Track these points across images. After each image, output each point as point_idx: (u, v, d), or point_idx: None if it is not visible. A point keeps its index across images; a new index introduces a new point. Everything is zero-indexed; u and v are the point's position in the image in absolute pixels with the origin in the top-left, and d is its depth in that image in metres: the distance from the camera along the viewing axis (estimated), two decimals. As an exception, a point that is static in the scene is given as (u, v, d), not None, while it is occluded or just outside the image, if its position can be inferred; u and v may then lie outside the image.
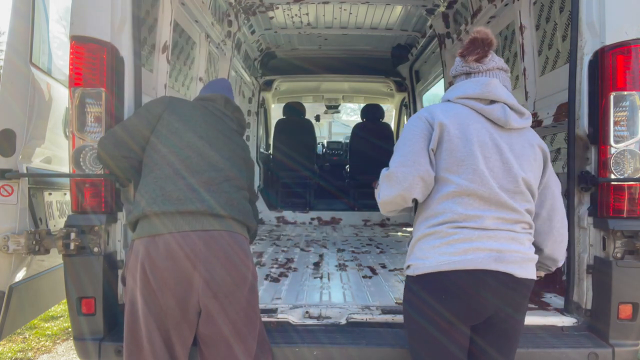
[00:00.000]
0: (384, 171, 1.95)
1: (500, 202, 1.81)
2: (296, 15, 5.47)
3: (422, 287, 1.84)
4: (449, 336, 1.81)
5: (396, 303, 2.70)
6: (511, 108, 1.89)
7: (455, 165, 1.82)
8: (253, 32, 5.95)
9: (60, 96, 2.95)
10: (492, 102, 1.89)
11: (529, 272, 1.84)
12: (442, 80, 5.29)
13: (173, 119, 2.14)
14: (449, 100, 1.97)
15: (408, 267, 1.91)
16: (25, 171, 2.53)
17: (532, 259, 1.87)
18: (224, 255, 1.93)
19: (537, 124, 3.21)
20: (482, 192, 1.80)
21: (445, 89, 5.06)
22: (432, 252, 1.81)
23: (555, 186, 2.00)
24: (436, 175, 1.86)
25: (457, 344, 1.83)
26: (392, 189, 1.87)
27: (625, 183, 2.26)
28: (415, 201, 1.91)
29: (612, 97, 2.27)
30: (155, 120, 2.16)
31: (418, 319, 1.85)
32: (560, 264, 2.05)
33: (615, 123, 2.27)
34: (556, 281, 2.82)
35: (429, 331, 1.82)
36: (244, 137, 2.50)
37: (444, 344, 1.82)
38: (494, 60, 1.98)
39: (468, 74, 1.99)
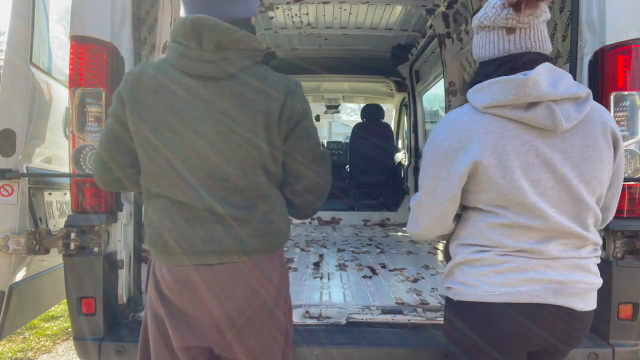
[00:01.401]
0: (413, 201, 1.70)
1: (560, 230, 1.50)
2: (296, 15, 5.47)
3: (465, 314, 1.60)
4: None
5: (396, 303, 2.70)
6: (562, 100, 1.47)
7: (498, 199, 1.50)
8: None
9: (60, 96, 2.95)
10: (533, 103, 1.46)
11: (590, 303, 1.58)
12: (442, 80, 5.29)
13: (141, 127, 1.62)
14: (475, 108, 1.54)
15: (449, 288, 1.67)
16: (25, 171, 2.53)
17: (596, 287, 1.60)
18: None
19: (537, 124, 3.21)
20: (537, 225, 1.49)
21: (445, 89, 5.08)
22: (479, 280, 1.55)
23: (622, 174, 1.69)
24: (473, 205, 1.57)
25: None
26: (413, 227, 1.70)
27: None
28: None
29: (612, 97, 2.27)
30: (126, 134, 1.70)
31: (461, 344, 1.64)
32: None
33: (616, 123, 2.27)
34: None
35: (472, 357, 1.62)
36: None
37: None
38: (545, 12, 1.54)
39: (511, 30, 1.52)
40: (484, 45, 1.61)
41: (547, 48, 1.56)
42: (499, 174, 1.48)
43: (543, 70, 1.46)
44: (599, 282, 1.61)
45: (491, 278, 1.53)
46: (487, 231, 1.55)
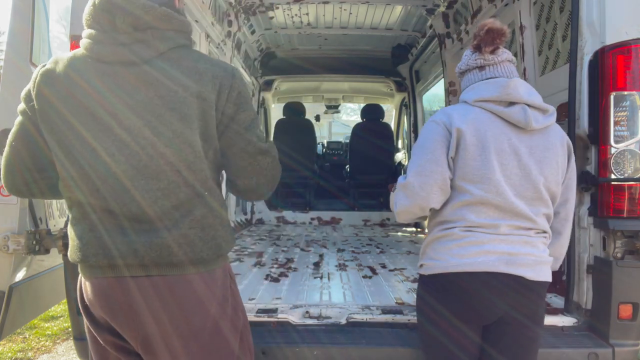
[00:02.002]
0: (400, 179, 1.91)
1: (516, 211, 1.79)
2: (296, 15, 5.47)
3: (434, 286, 1.87)
4: (457, 336, 1.83)
5: (396, 303, 2.70)
6: (533, 107, 1.82)
7: (471, 174, 1.79)
8: (253, 32, 5.95)
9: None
10: (512, 103, 1.81)
11: (541, 274, 1.82)
12: (442, 80, 5.29)
13: (54, 128, 1.47)
14: (466, 102, 1.89)
15: (421, 266, 1.94)
16: (25, 171, 2.53)
17: (546, 261, 1.86)
18: None
19: (537, 124, 3.21)
20: (498, 202, 1.78)
21: (445, 89, 5.09)
22: (445, 254, 1.82)
23: (575, 185, 1.97)
24: (452, 182, 1.83)
25: (464, 345, 1.84)
26: (409, 199, 1.85)
27: (626, 183, 2.26)
28: (432, 210, 1.90)
29: (612, 97, 2.27)
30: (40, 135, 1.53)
31: (429, 317, 1.88)
32: (558, 266, 2.05)
33: (616, 123, 2.27)
34: (556, 281, 2.82)
35: (438, 329, 1.85)
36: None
37: (452, 343, 1.83)
38: (505, 52, 1.92)
39: (482, 67, 1.90)
40: (465, 84, 1.98)
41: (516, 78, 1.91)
42: (476, 151, 1.78)
43: (521, 81, 1.86)
44: (547, 258, 1.87)
45: (454, 251, 1.80)
46: (456, 209, 1.82)
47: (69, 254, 1.54)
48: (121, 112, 1.42)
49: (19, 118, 1.57)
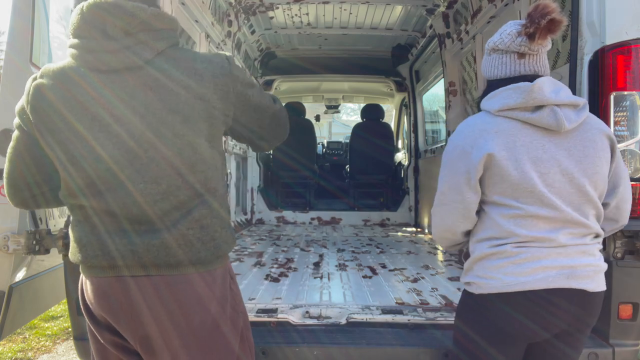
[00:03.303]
0: (433, 206, 1.86)
1: (567, 219, 1.66)
2: (296, 15, 5.47)
3: (486, 306, 1.72)
4: (506, 354, 1.74)
5: (396, 303, 2.70)
6: (562, 105, 1.67)
7: (510, 189, 1.66)
8: (253, 32, 5.95)
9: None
10: (539, 107, 1.66)
11: (601, 284, 1.73)
12: (442, 80, 5.29)
13: (54, 140, 1.47)
14: (488, 112, 1.74)
15: (468, 283, 1.80)
16: (25, 171, 2.53)
17: (603, 269, 1.75)
18: None
19: (537, 124, 3.21)
20: (546, 214, 1.65)
21: (445, 89, 5.08)
22: (497, 272, 1.68)
23: (624, 173, 1.82)
24: (489, 199, 1.71)
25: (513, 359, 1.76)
26: (438, 227, 1.83)
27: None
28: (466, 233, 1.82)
29: (612, 97, 2.27)
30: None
31: (475, 338, 1.75)
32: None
33: (616, 123, 2.27)
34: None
35: (487, 348, 1.73)
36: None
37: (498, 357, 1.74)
38: (550, 42, 1.76)
39: (522, 55, 1.73)
40: (497, 66, 1.79)
41: (548, 73, 1.80)
42: (511, 165, 1.64)
43: (546, 79, 1.69)
44: (604, 265, 1.75)
45: (508, 269, 1.66)
46: (502, 223, 1.68)
47: (70, 254, 1.55)
48: (119, 118, 1.42)
49: (16, 133, 1.55)
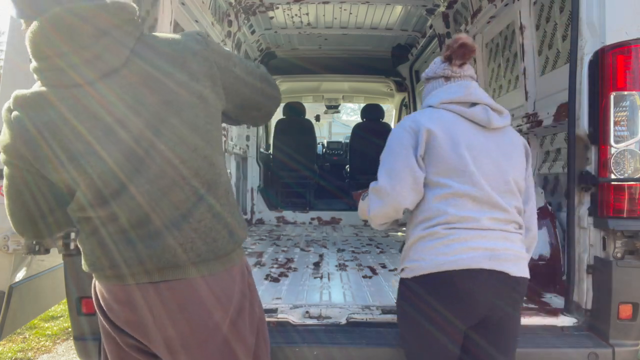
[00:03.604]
0: (372, 184, 1.97)
1: (492, 202, 1.84)
2: (296, 15, 5.47)
3: (420, 288, 1.85)
4: (445, 335, 1.83)
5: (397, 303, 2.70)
6: (491, 108, 1.94)
7: (446, 169, 1.85)
8: (253, 32, 5.95)
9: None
10: (473, 104, 1.94)
11: (522, 270, 1.87)
12: (442, 80, 5.29)
13: (58, 164, 1.41)
14: (430, 106, 1.99)
15: (402, 269, 1.93)
16: (25, 171, 2.53)
17: (524, 257, 1.91)
18: None
19: (537, 124, 3.21)
20: (475, 194, 1.83)
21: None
22: (429, 254, 1.82)
23: (533, 193, 2.06)
24: (428, 179, 1.87)
25: (453, 343, 1.85)
26: (382, 200, 1.90)
27: (626, 183, 2.26)
28: (406, 211, 1.93)
29: (612, 97, 2.27)
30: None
31: (414, 319, 1.87)
32: (529, 258, 2.08)
33: (616, 123, 2.27)
34: (556, 281, 2.82)
35: (426, 330, 1.84)
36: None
37: (440, 342, 1.84)
38: (470, 68, 2.04)
39: (447, 78, 2.02)
40: (430, 91, 2.08)
41: None
42: (448, 147, 1.85)
43: (477, 85, 2.02)
44: (525, 254, 1.93)
45: (439, 250, 1.81)
46: (435, 203, 1.85)
47: (83, 265, 1.54)
48: (120, 115, 1.38)
49: (7, 170, 1.48)
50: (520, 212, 1.94)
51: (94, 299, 1.60)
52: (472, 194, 1.82)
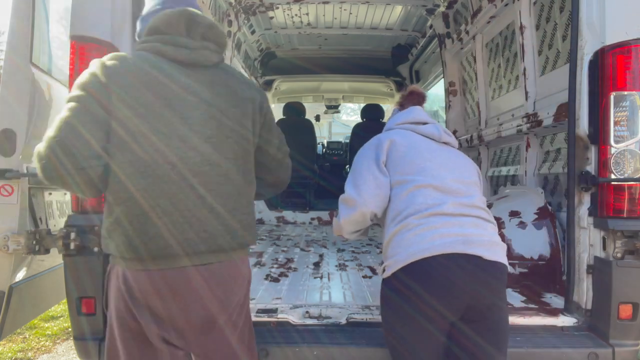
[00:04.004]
0: (341, 197, 2.12)
1: (454, 190, 1.95)
2: (296, 15, 5.47)
3: (398, 283, 1.86)
4: (430, 325, 1.82)
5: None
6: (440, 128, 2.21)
7: (408, 166, 2.01)
8: (253, 32, 5.95)
9: (60, 96, 2.95)
10: (424, 123, 2.21)
11: (497, 255, 1.88)
12: (442, 80, 5.29)
13: (129, 115, 1.56)
14: (389, 129, 2.27)
15: (383, 270, 1.96)
16: (25, 171, 2.53)
17: (498, 242, 1.94)
18: None
19: (537, 124, 3.21)
20: (437, 184, 1.95)
21: (445, 89, 5.10)
22: (402, 246, 1.87)
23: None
24: (393, 180, 2.01)
25: (439, 332, 1.85)
26: (350, 209, 2.04)
27: (626, 183, 2.26)
28: (374, 217, 2.05)
29: (612, 97, 2.27)
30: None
31: (398, 317, 1.88)
32: None
33: (616, 123, 2.27)
34: (556, 281, 2.82)
35: (410, 326, 1.84)
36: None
37: (426, 334, 1.83)
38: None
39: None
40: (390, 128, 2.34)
41: None
42: (407, 150, 2.06)
43: (422, 110, 2.30)
44: (500, 241, 1.97)
45: (412, 239, 1.86)
46: (405, 197, 1.95)
47: (114, 249, 1.60)
48: (188, 107, 1.61)
49: (73, 104, 1.53)
50: (485, 204, 2.02)
51: (116, 294, 1.64)
52: (434, 184, 1.94)
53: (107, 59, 1.62)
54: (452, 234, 1.84)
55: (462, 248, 1.82)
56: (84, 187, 1.58)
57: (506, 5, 3.62)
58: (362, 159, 2.12)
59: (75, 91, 1.56)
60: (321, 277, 3.36)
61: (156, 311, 1.60)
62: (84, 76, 1.59)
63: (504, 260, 1.91)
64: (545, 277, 2.84)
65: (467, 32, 4.38)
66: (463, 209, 1.91)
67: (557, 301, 2.64)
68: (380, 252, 4.43)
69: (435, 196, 1.92)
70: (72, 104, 1.55)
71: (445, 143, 2.20)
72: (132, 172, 1.55)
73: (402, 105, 2.35)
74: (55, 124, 1.53)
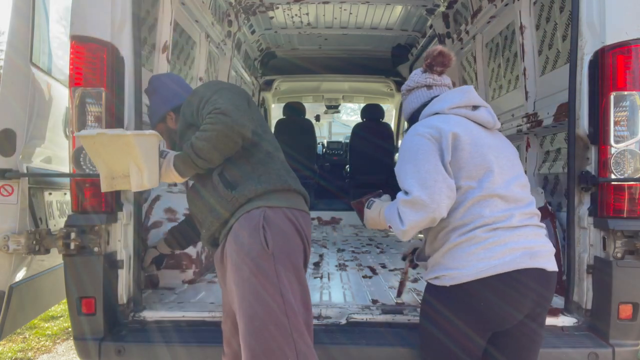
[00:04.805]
0: (401, 195, 1.87)
1: (517, 198, 1.87)
2: (296, 15, 5.47)
3: (460, 296, 1.79)
4: (474, 343, 1.81)
5: (396, 303, 2.70)
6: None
7: (474, 170, 1.85)
8: (253, 32, 5.95)
9: (61, 96, 2.95)
10: (476, 107, 2.00)
11: (554, 265, 1.88)
12: (442, 80, 5.29)
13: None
14: (439, 113, 1.99)
15: (437, 277, 1.86)
16: (25, 171, 2.53)
17: (553, 251, 1.91)
18: None
19: (537, 124, 3.21)
20: (503, 192, 1.84)
21: (446, 89, 5.08)
22: (469, 260, 1.78)
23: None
24: (457, 184, 1.84)
25: (479, 351, 1.84)
26: (419, 213, 1.79)
27: (626, 183, 2.26)
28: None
29: (612, 97, 2.27)
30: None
31: (447, 329, 1.82)
32: None
33: (616, 123, 2.27)
34: (556, 281, 2.82)
35: (464, 332, 1.80)
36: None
37: (475, 344, 1.82)
38: (448, 78, 2.13)
39: (430, 87, 2.09)
40: (413, 100, 2.14)
41: None
42: (473, 148, 1.87)
43: (474, 90, 2.06)
44: (553, 247, 1.93)
45: (480, 255, 1.78)
46: (469, 208, 1.83)
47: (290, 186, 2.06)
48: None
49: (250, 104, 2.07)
50: (534, 202, 1.96)
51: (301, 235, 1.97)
52: (500, 193, 1.84)
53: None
54: (520, 247, 1.79)
55: (530, 263, 1.79)
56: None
57: (506, 5, 3.62)
58: (426, 155, 1.84)
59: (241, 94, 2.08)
60: (321, 277, 3.36)
61: None
62: (243, 95, 2.09)
63: (557, 268, 1.91)
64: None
65: (467, 32, 4.38)
66: (525, 219, 1.86)
67: (557, 301, 2.64)
68: (381, 252, 4.43)
69: (502, 207, 1.83)
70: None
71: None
72: None
73: (430, 67, 2.08)
74: None
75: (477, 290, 1.76)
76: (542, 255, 1.82)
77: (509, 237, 1.79)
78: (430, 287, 1.91)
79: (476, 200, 1.82)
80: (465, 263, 1.78)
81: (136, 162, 1.89)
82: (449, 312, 1.82)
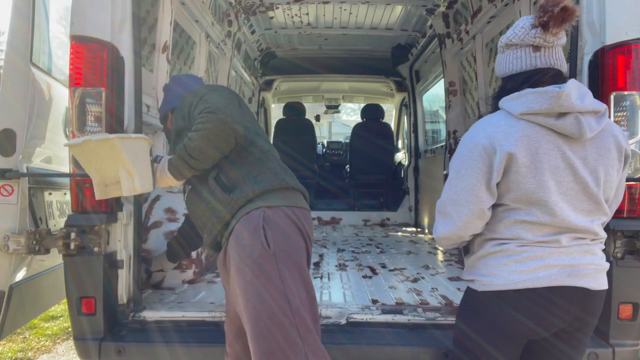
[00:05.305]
0: (439, 202, 1.81)
1: (573, 227, 1.68)
2: (296, 15, 5.47)
3: (488, 304, 1.75)
4: (506, 352, 1.76)
5: (396, 303, 2.70)
6: (586, 113, 1.65)
7: (525, 197, 1.66)
8: (253, 32, 5.95)
9: (61, 96, 2.95)
10: (563, 113, 1.64)
11: (602, 283, 1.74)
12: (442, 80, 5.29)
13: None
14: (509, 114, 1.70)
15: (472, 280, 1.82)
16: (25, 171, 2.53)
17: (605, 268, 1.76)
18: None
19: (537, 124, 3.21)
20: (554, 223, 1.67)
21: (446, 89, 5.07)
22: (500, 270, 1.71)
23: (623, 188, 1.88)
24: (502, 202, 1.71)
25: (517, 351, 1.78)
26: (447, 226, 1.76)
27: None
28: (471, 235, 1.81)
29: (612, 97, 2.27)
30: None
31: (476, 336, 1.78)
32: None
33: (616, 123, 2.27)
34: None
35: (487, 346, 1.76)
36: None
37: (507, 350, 1.76)
38: (564, 35, 1.74)
39: (537, 48, 1.70)
40: (512, 61, 1.77)
41: (565, 67, 1.77)
42: (530, 174, 1.65)
43: (573, 85, 1.65)
44: (605, 263, 1.77)
45: (512, 267, 1.69)
46: (510, 226, 1.71)
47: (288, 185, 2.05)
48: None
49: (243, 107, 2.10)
50: (607, 221, 1.79)
51: (296, 227, 1.95)
52: (550, 223, 1.67)
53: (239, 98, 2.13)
54: (558, 264, 1.66)
55: (567, 281, 1.66)
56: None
57: (506, 5, 3.62)
58: (468, 171, 1.69)
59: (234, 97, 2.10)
60: (321, 277, 3.36)
61: None
62: (235, 97, 2.09)
63: (606, 285, 1.76)
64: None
65: (467, 32, 4.38)
66: (574, 241, 1.69)
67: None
68: (381, 252, 4.43)
69: (546, 232, 1.68)
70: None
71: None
72: None
73: (545, 26, 1.65)
74: None
75: (506, 300, 1.70)
76: (585, 274, 1.68)
77: (548, 253, 1.67)
78: (467, 288, 1.87)
79: (518, 222, 1.70)
80: (497, 272, 1.71)
81: (125, 166, 1.88)
82: (477, 316, 1.79)
